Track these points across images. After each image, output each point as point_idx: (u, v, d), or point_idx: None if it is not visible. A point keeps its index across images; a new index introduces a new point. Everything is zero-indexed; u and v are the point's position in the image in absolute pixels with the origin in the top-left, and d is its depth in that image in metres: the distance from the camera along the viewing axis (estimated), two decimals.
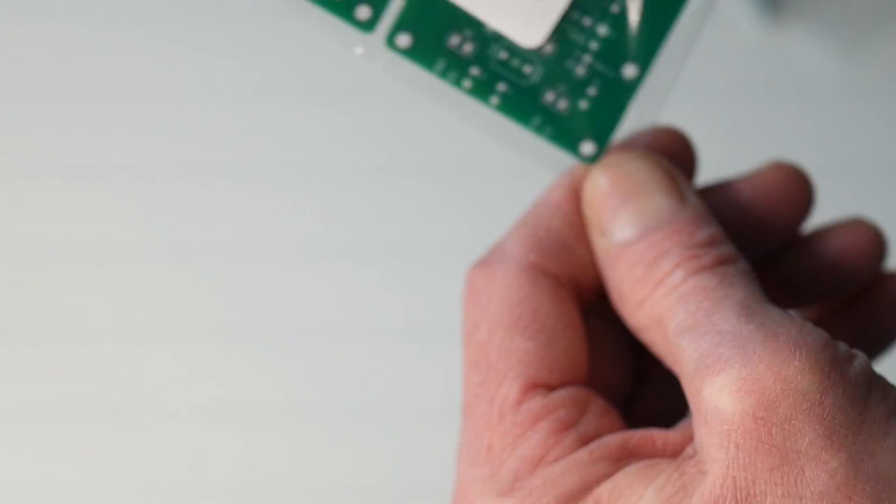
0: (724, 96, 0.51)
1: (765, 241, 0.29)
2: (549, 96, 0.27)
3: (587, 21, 0.27)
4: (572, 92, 0.27)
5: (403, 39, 0.26)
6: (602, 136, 0.27)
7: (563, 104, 0.27)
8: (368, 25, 0.26)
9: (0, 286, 0.52)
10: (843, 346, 0.23)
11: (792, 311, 0.26)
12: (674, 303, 0.24)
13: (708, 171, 0.31)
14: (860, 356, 0.23)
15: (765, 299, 0.24)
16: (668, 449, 0.24)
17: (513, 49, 0.27)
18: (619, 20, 0.27)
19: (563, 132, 0.27)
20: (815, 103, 0.52)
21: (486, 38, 0.26)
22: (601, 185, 0.26)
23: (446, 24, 0.26)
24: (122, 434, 0.51)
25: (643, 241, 0.25)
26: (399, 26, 0.26)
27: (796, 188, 0.29)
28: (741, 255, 0.26)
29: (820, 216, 0.31)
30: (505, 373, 0.25)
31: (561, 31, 0.27)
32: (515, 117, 0.27)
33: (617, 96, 0.27)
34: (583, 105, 0.27)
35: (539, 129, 0.27)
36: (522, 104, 0.27)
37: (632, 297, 0.25)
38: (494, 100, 0.27)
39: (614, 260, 0.25)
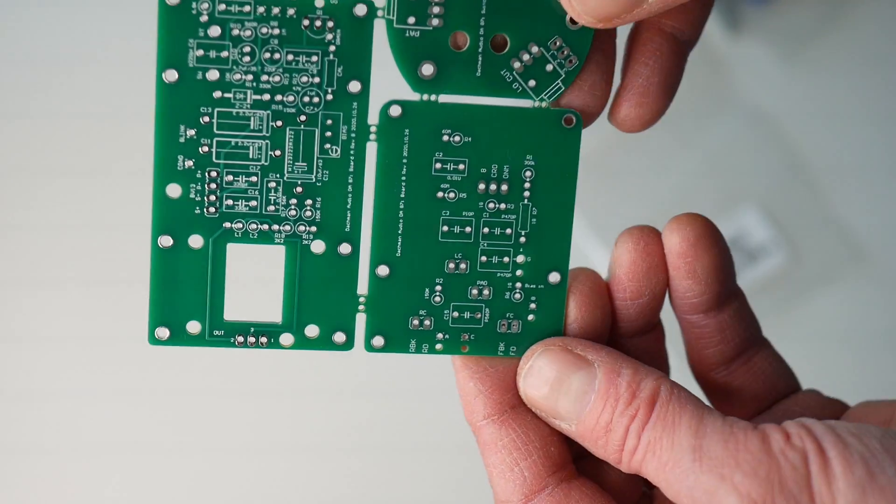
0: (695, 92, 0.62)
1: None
2: (502, 327, 0.33)
3: (506, 258, 0.32)
4: (519, 314, 0.33)
5: (378, 341, 0.32)
6: (557, 335, 0.33)
7: (516, 326, 0.33)
8: (347, 346, 0.32)
9: None
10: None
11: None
12: (644, 467, 0.30)
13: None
14: None
15: (697, 407, 0.30)
16: None
17: (461, 307, 0.32)
18: (530, 245, 0.32)
19: (526, 347, 0.33)
20: (766, 92, 0.64)
21: (438, 309, 0.32)
22: (529, 394, 0.32)
23: (404, 312, 0.32)
24: None
25: (587, 420, 0.31)
26: (371, 333, 0.32)
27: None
28: (655, 372, 0.31)
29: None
30: None
31: (490, 277, 0.32)
32: (486, 354, 0.33)
33: (553, 300, 0.33)
34: (531, 318, 0.33)
35: (506, 353, 0.33)
36: (487, 343, 0.33)
37: (613, 462, 0.31)
38: (465, 348, 0.33)
39: (581, 438, 0.31)
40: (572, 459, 0.33)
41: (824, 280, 0.65)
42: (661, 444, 0.30)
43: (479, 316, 0.33)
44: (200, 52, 0.30)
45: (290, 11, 0.30)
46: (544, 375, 0.32)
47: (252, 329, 0.32)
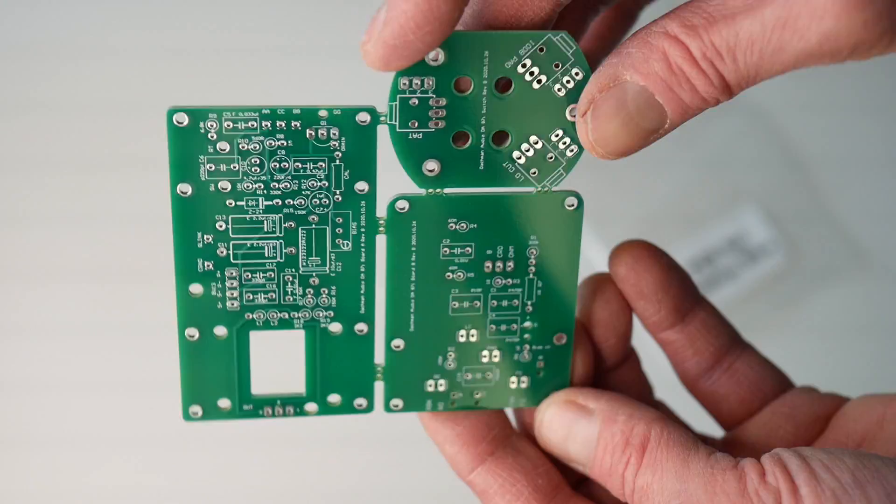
0: None
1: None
2: (512, 383, 0.35)
3: (514, 325, 0.34)
4: (527, 372, 0.35)
5: (396, 403, 0.35)
6: (564, 386, 0.35)
7: (525, 383, 0.35)
8: (368, 409, 0.35)
9: None
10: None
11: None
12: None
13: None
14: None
15: (683, 448, 0.32)
16: None
17: (473, 370, 0.35)
18: (537, 313, 0.34)
19: (534, 401, 0.35)
20: (767, 92, 0.63)
21: (452, 373, 0.34)
22: (545, 444, 0.35)
23: (419, 377, 0.34)
24: None
25: (595, 466, 0.33)
26: (389, 397, 0.35)
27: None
28: (648, 416, 0.33)
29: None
30: None
31: (499, 342, 0.34)
32: (495, 407, 0.35)
33: (559, 359, 0.35)
34: (539, 376, 0.35)
35: (516, 405, 0.35)
36: (497, 397, 0.35)
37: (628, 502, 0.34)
38: (478, 401, 0.35)
39: (595, 479, 0.34)
40: (565, 482, 0.35)
41: (824, 280, 0.65)
42: (653, 489, 0.32)
43: (491, 376, 0.35)
44: (211, 167, 0.31)
45: (295, 124, 0.31)
46: (553, 427, 0.34)
47: (278, 401, 0.34)
